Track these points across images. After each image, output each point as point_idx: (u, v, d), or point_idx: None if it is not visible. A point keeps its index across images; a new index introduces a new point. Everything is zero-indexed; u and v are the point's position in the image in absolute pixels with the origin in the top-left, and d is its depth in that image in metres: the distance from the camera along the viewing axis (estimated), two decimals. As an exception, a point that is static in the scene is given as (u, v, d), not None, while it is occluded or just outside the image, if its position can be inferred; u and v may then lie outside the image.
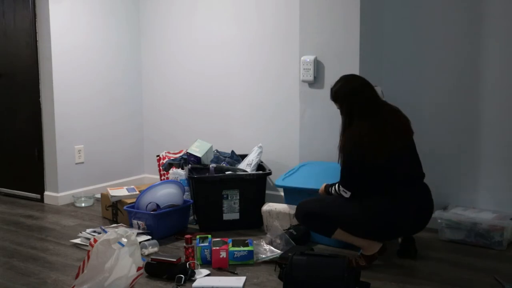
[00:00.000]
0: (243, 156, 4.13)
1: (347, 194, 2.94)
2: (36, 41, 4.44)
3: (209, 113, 4.66)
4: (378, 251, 2.97)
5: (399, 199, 2.89)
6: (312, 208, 3.02)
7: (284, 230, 3.33)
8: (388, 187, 2.91)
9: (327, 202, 3.04)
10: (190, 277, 2.83)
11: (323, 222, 2.99)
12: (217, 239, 3.11)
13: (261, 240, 3.24)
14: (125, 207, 3.67)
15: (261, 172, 3.78)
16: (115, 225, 3.80)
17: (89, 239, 3.10)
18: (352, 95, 2.97)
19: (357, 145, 2.87)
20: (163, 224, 3.50)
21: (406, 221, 2.93)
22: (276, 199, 3.85)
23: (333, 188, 3.05)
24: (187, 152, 3.95)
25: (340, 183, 2.99)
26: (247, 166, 3.91)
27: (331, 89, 3.04)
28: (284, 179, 3.52)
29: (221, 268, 2.99)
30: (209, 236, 3.16)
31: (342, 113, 3.00)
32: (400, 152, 2.92)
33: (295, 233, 3.33)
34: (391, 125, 2.94)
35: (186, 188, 3.83)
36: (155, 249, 3.25)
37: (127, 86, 4.99)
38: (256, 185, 3.70)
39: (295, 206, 3.18)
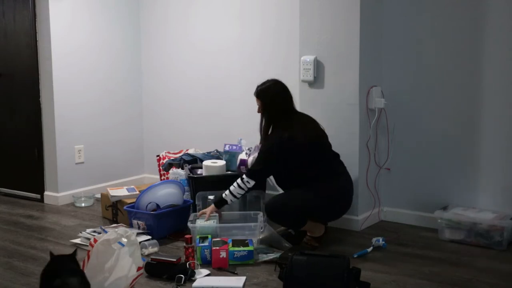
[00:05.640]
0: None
1: (250, 184, 3.23)
2: (36, 41, 4.44)
3: (209, 113, 4.66)
4: (324, 231, 3.34)
5: (338, 181, 3.29)
6: (283, 207, 3.21)
7: (283, 230, 3.33)
8: (325, 174, 3.25)
9: (292, 198, 3.23)
10: (190, 277, 2.83)
11: (295, 218, 3.23)
12: (217, 239, 3.11)
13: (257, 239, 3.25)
14: (125, 207, 3.67)
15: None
16: (115, 225, 3.80)
17: (89, 239, 3.10)
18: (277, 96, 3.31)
19: (276, 142, 3.21)
20: (163, 224, 3.50)
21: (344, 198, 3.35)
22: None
23: (231, 188, 3.26)
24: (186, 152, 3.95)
25: (246, 174, 3.26)
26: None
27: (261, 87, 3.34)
28: None
29: (221, 268, 2.99)
30: (209, 236, 3.16)
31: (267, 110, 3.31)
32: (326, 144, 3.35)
33: (293, 233, 3.33)
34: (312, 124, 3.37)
35: (186, 188, 3.83)
36: (155, 249, 3.25)
37: (127, 87, 4.99)
38: (256, 185, 3.69)
39: None
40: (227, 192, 3.28)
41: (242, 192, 3.26)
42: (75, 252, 2.43)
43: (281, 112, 3.28)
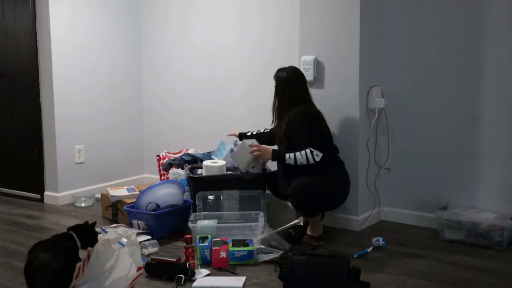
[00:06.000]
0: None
1: (318, 157, 3.17)
2: (36, 41, 4.44)
3: (209, 113, 4.66)
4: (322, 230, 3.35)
5: (343, 168, 3.39)
6: (316, 191, 3.19)
7: (283, 230, 3.33)
8: (335, 159, 3.36)
9: (321, 184, 3.19)
10: (190, 277, 2.83)
11: (324, 204, 3.29)
12: (217, 239, 3.11)
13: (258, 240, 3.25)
14: (125, 207, 3.68)
15: (261, 172, 3.77)
16: (115, 225, 3.80)
17: (89, 239, 3.10)
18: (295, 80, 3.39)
19: (314, 114, 3.31)
20: (163, 224, 3.50)
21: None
22: (276, 199, 3.84)
23: (297, 154, 3.17)
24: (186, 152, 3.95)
25: (311, 146, 3.18)
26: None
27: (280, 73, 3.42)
28: None
29: (221, 268, 2.99)
30: (209, 236, 3.16)
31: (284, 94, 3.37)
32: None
33: (294, 233, 3.33)
34: None
35: (186, 188, 3.83)
36: (155, 249, 3.25)
37: (127, 87, 4.99)
38: (256, 185, 3.69)
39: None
40: (291, 154, 3.19)
41: (305, 163, 3.17)
42: (86, 223, 2.71)
43: (294, 99, 3.33)
